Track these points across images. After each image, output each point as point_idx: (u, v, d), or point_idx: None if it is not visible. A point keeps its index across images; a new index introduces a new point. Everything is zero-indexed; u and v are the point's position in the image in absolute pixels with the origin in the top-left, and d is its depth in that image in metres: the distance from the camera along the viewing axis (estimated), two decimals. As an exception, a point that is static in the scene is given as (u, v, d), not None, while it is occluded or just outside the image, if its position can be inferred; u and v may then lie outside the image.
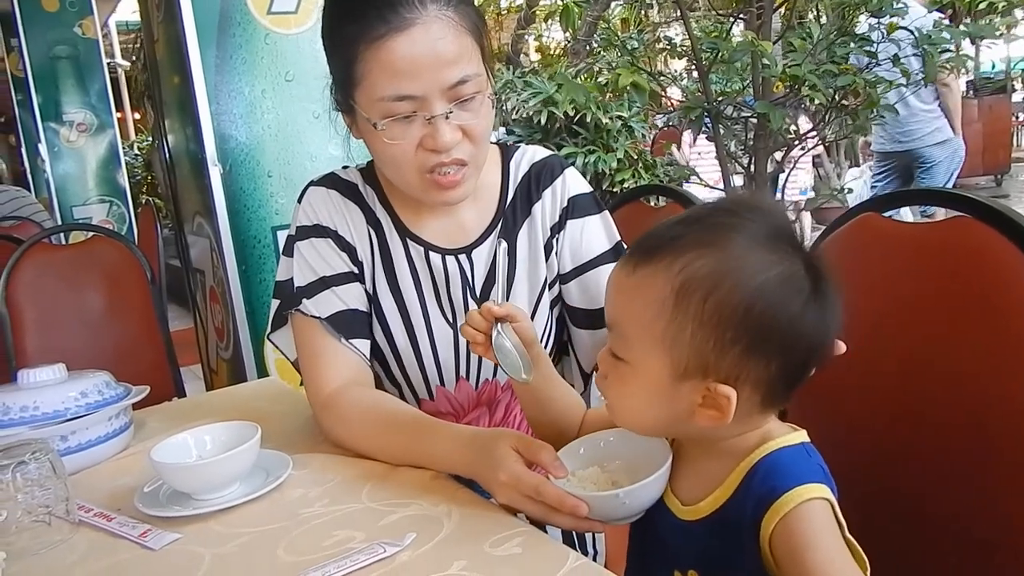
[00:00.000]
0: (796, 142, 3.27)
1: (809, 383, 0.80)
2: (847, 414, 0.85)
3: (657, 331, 0.73)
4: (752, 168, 3.12)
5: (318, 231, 1.15)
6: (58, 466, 0.97)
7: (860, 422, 0.96)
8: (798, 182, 5.50)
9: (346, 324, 1.12)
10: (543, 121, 3.94)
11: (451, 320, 1.15)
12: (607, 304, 0.80)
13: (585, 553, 1.18)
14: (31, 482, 0.94)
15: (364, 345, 1.14)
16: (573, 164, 1.13)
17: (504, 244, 1.02)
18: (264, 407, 1.29)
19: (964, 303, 0.91)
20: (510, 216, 1.17)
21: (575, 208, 1.17)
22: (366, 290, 1.16)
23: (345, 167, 1.22)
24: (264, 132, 2.42)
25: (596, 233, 1.18)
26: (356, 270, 1.15)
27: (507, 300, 1.09)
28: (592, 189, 1.22)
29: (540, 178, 1.18)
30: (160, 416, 1.35)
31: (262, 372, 2.47)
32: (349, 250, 1.15)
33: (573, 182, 1.19)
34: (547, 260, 1.17)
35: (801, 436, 0.77)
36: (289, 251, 1.17)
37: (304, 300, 1.12)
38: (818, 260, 0.74)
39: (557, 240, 1.17)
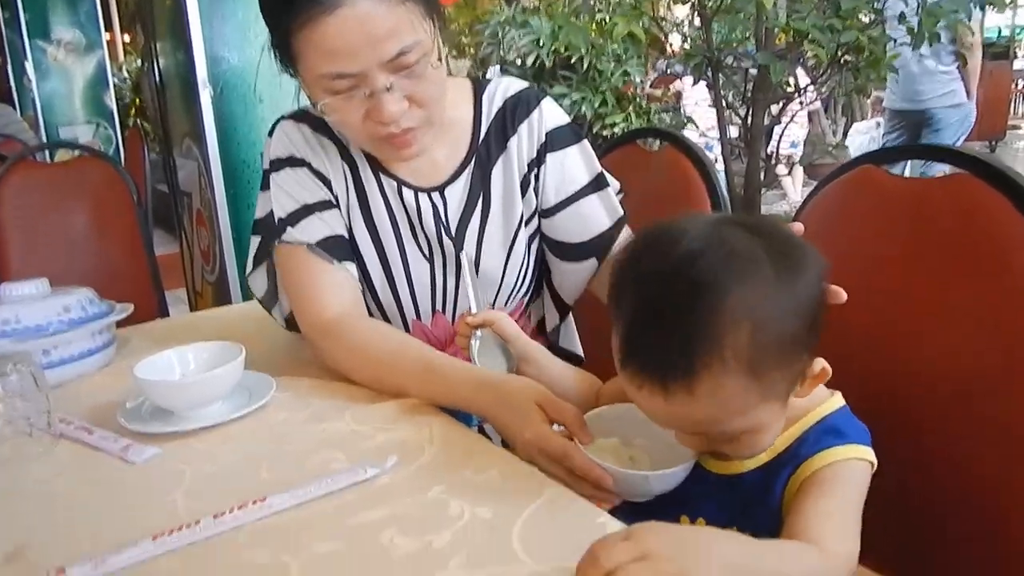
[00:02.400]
0: (795, 95, 3.24)
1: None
2: (837, 369, 0.85)
3: (754, 402, 0.72)
4: (749, 119, 3.10)
5: (293, 161, 1.13)
6: (40, 379, 0.96)
7: (851, 377, 0.96)
8: (791, 135, 5.46)
9: (336, 247, 1.11)
10: (534, 62, 3.90)
11: (427, 255, 1.14)
12: (673, 425, 0.76)
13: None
14: (13, 394, 0.93)
15: (355, 270, 1.13)
16: (560, 105, 1.12)
17: (466, 254, 1.09)
18: (249, 330, 1.28)
19: (959, 260, 0.91)
20: (483, 152, 1.15)
21: (554, 141, 1.15)
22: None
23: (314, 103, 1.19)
24: (256, 55, 2.37)
25: (577, 164, 1.16)
26: (334, 200, 1.13)
27: (487, 232, 1.11)
28: (569, 120, 1.19)
29: (516, 112, 1.15)
30: (144, 335, 1.34)
31: (247, 296, 2.45)
32: (325, 182, 1.13)
33: (550, 114, 1.16)
34: (524, 196, 1.15)
35: (841, 399, 0.79)
36: (266, 185, 1.14)
37: (288, 228, 1.10)
38: (764, 228, 0.73)
39: (536, 176, 1.15)
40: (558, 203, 1.16)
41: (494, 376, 0.95)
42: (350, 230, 1.13)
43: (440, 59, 1.01)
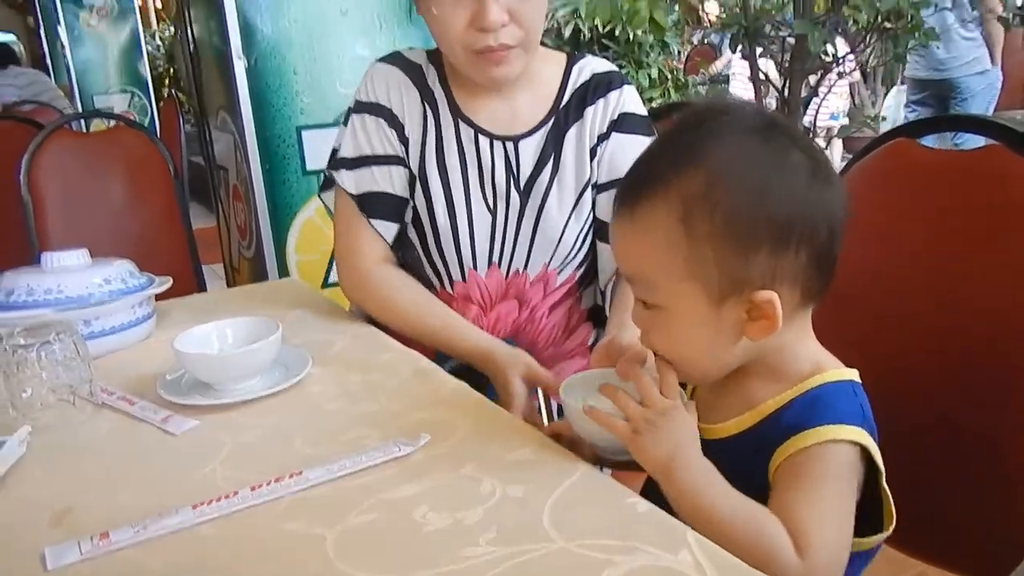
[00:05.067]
0: (833, 64, 3.17)
1: (839, 311, 0.77)
2: (876, 343, 0.84)
3: (679, 266, 0.69)
4: (786, 91, 3.04)
5: (374, 109, 1.19)
6: (82, 348, 0.98)
7: (889, 351, 0.95)
8: (831, 107, 5.34)
9: (373, 204, 1.18)
10: (571, 33, 3.83)
11: (491, 206, 1.18)
12: (618, 258, 0.77)
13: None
14: (56, 362, 0.96)
15: (387, 228, 1.19)
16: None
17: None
18: (285, 305, 1.30)
19: (995, 233, 0.90)
20: (563, 116, 1.19)
21: (624, 123, 1.19)
22: (409, 168, 1.19)
23: (411, 48, 1.25)
24: (291, 26, 2.36)
25: (637, 154, 1.17)
26: (401, 151, 1.18)
27: (554, 191, 1.17)
28: (647, 114, 1.23)
29: (599, 87, 1.20)
30: (183, 308, 1.37)
31: (283, 272, 2.48)
32: (398, 127, 1.18)
33: (630, 99, 1.21)
34: (591, 162, 1.19)
35: (850, 374, 0.74)
36: (347, 121, 1.22)
37: (343, 169, 1.19)
38: (805, 140, 0.73)
39: (601, 148, 1.19)
40: (608, 182, 1.18)
41: (491, 340, 1.12)
42: (422, 171, 1.18)
43: None
